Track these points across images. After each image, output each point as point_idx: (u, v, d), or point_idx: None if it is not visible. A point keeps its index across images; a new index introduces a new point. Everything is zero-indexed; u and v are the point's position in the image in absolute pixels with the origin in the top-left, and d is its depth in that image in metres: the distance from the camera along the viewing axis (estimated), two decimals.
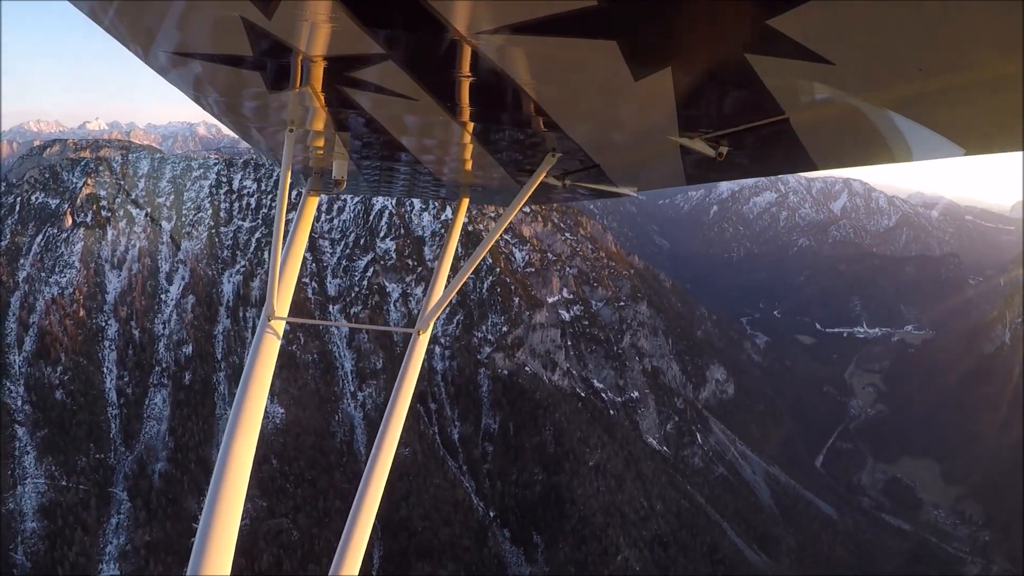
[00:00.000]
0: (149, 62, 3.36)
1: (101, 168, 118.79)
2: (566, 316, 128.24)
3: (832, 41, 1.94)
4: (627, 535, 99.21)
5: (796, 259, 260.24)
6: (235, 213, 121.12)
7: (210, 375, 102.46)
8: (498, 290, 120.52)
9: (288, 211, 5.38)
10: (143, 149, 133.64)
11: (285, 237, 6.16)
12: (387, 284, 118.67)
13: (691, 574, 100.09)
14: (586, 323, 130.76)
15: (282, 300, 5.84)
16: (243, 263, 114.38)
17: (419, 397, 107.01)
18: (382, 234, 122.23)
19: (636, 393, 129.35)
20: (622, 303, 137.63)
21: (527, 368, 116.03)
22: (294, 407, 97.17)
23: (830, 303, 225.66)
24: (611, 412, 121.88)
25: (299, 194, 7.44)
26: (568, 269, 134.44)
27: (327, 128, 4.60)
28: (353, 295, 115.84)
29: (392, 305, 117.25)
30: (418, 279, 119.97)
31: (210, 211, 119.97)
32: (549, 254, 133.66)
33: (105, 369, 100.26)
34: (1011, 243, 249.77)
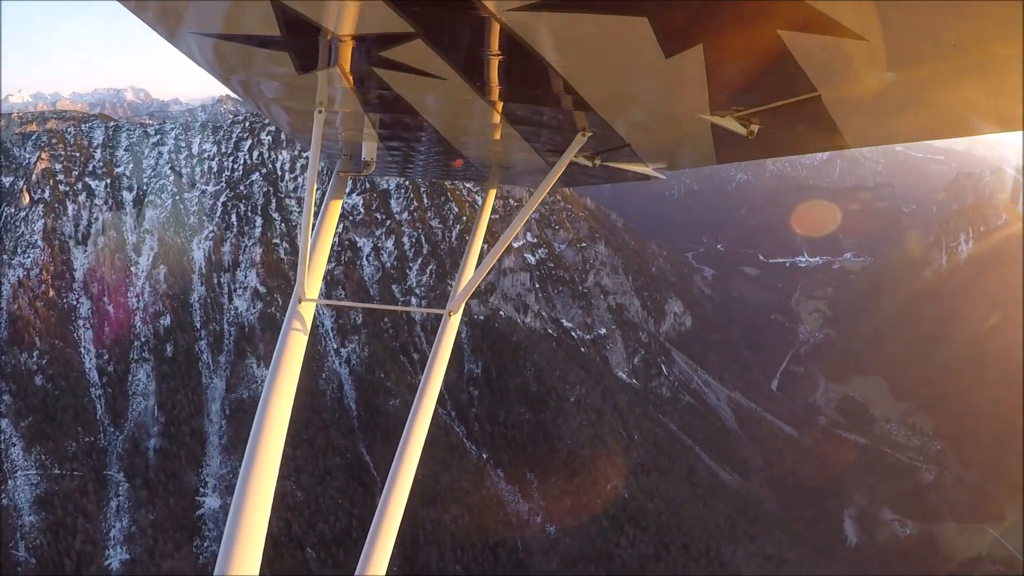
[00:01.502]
0: (175, 43, 3.36)
1: (54, 141, 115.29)
2: (532, 260, 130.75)
3: (865, 16, 1.91)
4: (613, 465, 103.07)
5: (735, 194, 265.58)
6: (197, 178, 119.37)
7: (191, 345, 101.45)
8: (466, 238, 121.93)
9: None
10: (96, 118, 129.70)
11: (315, 218, 6.15)
12: (358, 239, 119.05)
13: (674, 497, 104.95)
14: (551, 265, 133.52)
15: (312, 282, 5.72)
16: (211, 228, 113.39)
17: (401, 349, 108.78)
18: (348, 189, 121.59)
19: (604, 330, 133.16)
20: (583, 244, 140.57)
21: (501, 312, 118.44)
22: None
23: (771, 235, 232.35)
24: (582, 349, 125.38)
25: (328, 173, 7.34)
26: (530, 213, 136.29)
27: (356, 109, 4.61)
28: None
29: (365, 259, 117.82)
30: (387, 232, 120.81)
31: (171, 178, 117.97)
32: (510, 200, 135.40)
33: (83, 349, 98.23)
34: (940, 172, 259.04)
